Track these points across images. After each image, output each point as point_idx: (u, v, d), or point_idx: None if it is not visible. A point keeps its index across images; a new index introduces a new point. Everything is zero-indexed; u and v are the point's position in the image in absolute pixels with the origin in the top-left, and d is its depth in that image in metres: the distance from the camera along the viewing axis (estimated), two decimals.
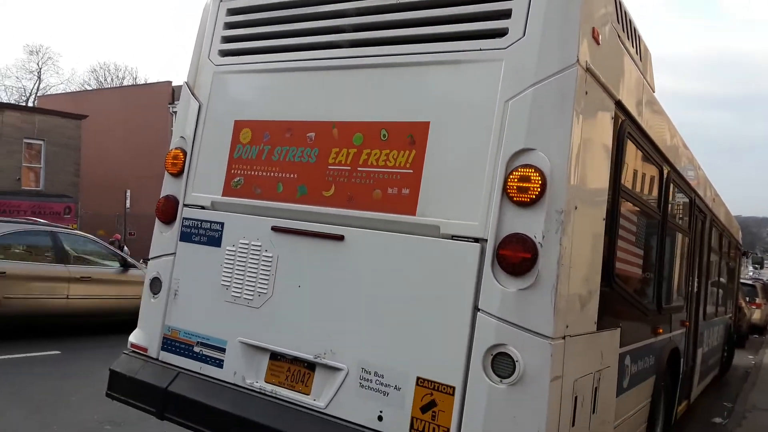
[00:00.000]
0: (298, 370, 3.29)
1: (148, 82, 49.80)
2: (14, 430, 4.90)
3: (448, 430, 2.77)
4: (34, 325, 8.85)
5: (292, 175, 3.47)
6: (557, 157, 2.76)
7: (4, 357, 7.39)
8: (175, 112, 31.82)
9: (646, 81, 4.07)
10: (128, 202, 28.84)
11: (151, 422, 5.15)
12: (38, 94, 47.66)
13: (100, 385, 6.27)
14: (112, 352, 7.93)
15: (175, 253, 3.83)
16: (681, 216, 5.96)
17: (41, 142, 27.22)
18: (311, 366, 3.25)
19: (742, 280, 16.01)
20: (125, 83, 52.54)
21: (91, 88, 50.30)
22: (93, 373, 6.90)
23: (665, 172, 4.74)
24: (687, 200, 6.01)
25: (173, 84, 33.75)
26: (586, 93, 2.90)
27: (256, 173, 3.60)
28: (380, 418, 2.95)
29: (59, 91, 48.26)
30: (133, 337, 3.96)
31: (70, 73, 78.40)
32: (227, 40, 3.90)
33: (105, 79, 54.68)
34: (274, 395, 3.30)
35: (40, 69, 51.40)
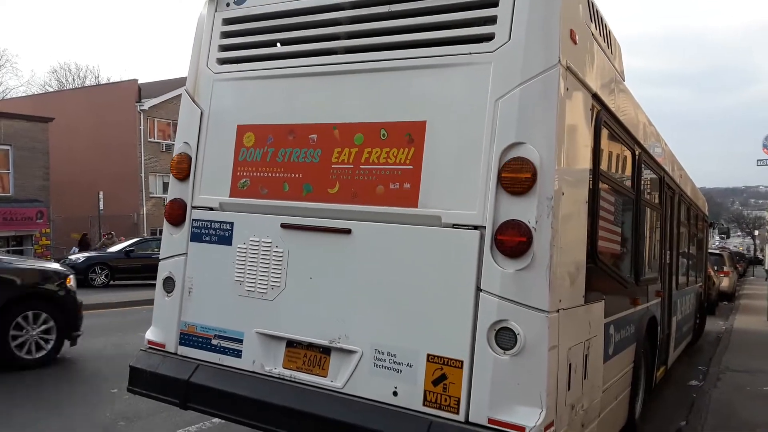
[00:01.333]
0: (314, 355, 3.56)
1: (111, 80, 49.05)
2: (40, 429, 5.07)
3: (459, 399, 3.07)
4: None
5: (297, 175, 3.70)
6: (545, 148, 3.06)
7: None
8: (143, 111, 31.51)
9: (617, 71, 4.40)
10: (101, 203, 28.55)
11: (161, 416, 5.43)
12: None
13: (107, 384, 6.54)
14: (111, 353, 8.13)
15: (186, 253, 4.04)
16: (652, 193, 6.35)
17: (8, 147, 26.71)
18: (327, 350, 3.51)
19: (710, 250, 16.71)
20: (87, 83, 51.62)
21: (53, 90, 49.29)
22: (96, 373, 7.10)
23: (637, 153, 5.10)
24: (657, 178, 6.41)
25: (139, 82, 33.37)
26: (567, 89, 3.20)
27: (262, 174, 3.83)
28: (395, 394, 3.24)
29: (20, 94, 47.23)
30: (150, 335, 4.16)
31: (30, 74, 76.27)
32: (224, 48, 4.10)
33: (66, 80, 53.66)
34: (293, 379, 3.56)
35: None
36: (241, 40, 4.04)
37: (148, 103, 32.11)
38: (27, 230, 26.69)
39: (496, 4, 3.20)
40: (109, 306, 13.99)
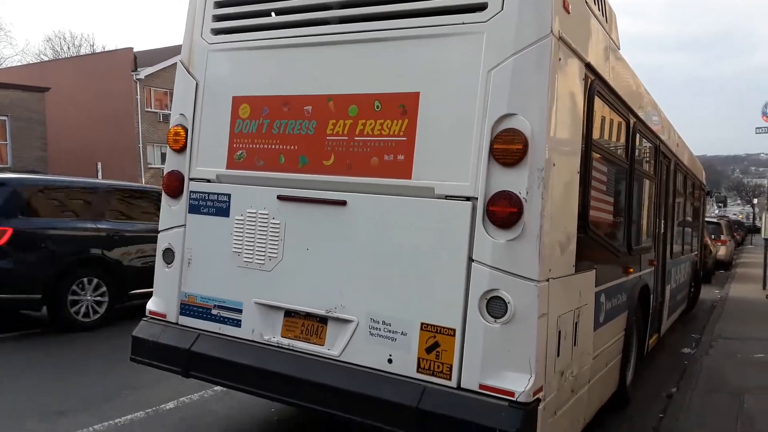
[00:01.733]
0: (311, 324, 3.64)
1: (107, 49, 48.47)
2: (44, 401, 5.19)
3: (452, 366, 3.16)
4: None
5: (292, 147, 3.74)
6: (536, 120, 3.09)
7: (10, 334, 7.62)
8: (139, 80, 31.15)
9: (612, 40, 4.39)
10: (100, 174, 28.54)
11: (163, 384, 5.55)
12: None
13: (107, 355, 6.65)
14: (113, 325, 8.22)
15: (185, 225, 4.10)
16: (647, 162, 6.37)
17: (5, 118, 26.60)
18: (323, 320, 3.60)
19: (707, 219, 16.77)
20: (83, 51, 51.10)
21: (48, 59, 48.77)
22: (92, 344, 7.21)
23: (632, 123, 5.11)
24: (652, 147, 6.42)
25: (135, 50, 32.98)
26: (560, 59, 3.21)
27: (258, 146, 3.86)
28: (390, 361, 3.33)
29: (15, 63, 46.77)
30: (151, 305, 4.25)
31: (24, 43, 75.49)
32: (218, 18, 4.08)
33: (61, 48, 53.06)
34: (290, 348, 3.65)
35: None
36: (235, 10, 4.03)
37: (144, 72, 31.81)
38: None
39: None
40: None
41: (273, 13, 3.94)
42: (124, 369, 6.02)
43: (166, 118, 32.96)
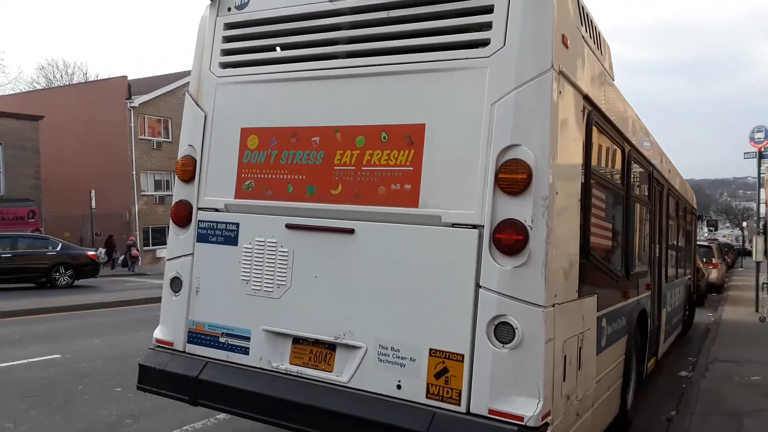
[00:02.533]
0: (320, 351, 3.69)
1: (99, 77, 48.80)
2: (43, 430, 5.16)
3: (461, 391, 3.21)
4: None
5: (300, 177, 3.82)
6: (539, 150, 3.20)
7: (9, 364, 7.58)
8: (133, 107, 31.36)
9: (607, 72, 4.54)
10: (93, 202, 28.49)
11: (167, 413, 5.55)
12: None
13: (109, 383, 6.66)
14: (110, 353, 8.23)
15: (193, 254, 4.15)
16: (642, 189, 6.51)
17: None
18: (332, 346, 3.64)
19: (698, 242, 16.96)
20: (75, 80, 51.31)
21: (41, 87, 48.98)
22: (96, 373, 7.19)
23: (626, 150, 5.25)
24: (646, 174, 6.57)
25: (129, 78, 33.22)
26: (560, 92, 3.34)
27: (266, 176, 3.95)
28: (399, 387, 3.37)
29: (8, 91, 46.87)
30: (158, 333, 4.27)
31: (17, 71, 75.78)
32: (226, 53, 4.20)
33: (54, 77, 53.25)
34: (299, 375, 3.69)
35: None
36: (243, 45, 4.14)
37: (138, 100, 32.00)
38: (19, 230, 26.61)
39: (491, 11, 3.33)
40: (103, 306, 14.05)
41: (279, 48, 4.07)
42: (125, 396, 6.02)
43: (160, 145, 33.12)
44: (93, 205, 28.31)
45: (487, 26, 3.34)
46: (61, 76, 53.12)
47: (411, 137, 3.48)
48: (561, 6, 3.37)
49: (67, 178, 30.88)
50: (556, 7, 3.28)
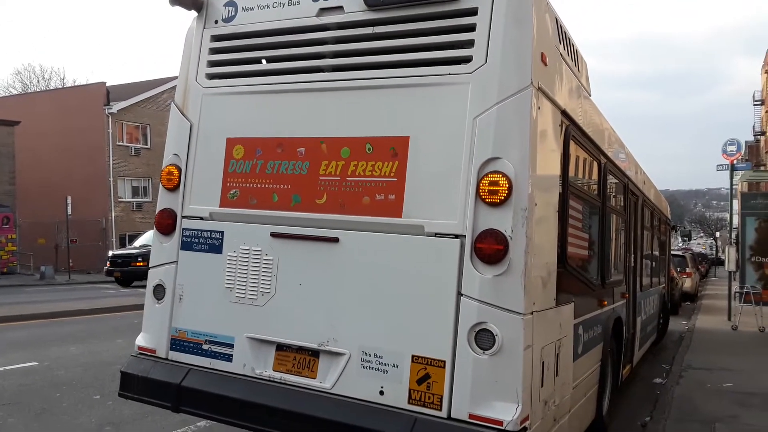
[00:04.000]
0: (303, 358, 3.74)
1: (77, 83, 48.23)
2: None
3: (442, 397, 3.29)
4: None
5: (285, 186, 3.89)
6: (519, 163, 3.31)
7: None
8: (111, 114, 31.04)
9: (584, 87, 4.70)
10: (69, 208, 28.09)
11: (147, 420, 5.54)
12: None
13: (87, 391, 6.62)
14: (88, 360, 8.16)
15: (177, 261, 4.18)
16: (617, 200, 6.69)
17: None
18: (315, 353, 3.70)
19: (673, 252, 17.31)
20: (53, 85, 50.62)
21: (16, 92, 48.24)
22: (75, 380, 7.13)
23: (602, 163, 5.41)
24: (621, 185, 6.75)
25: (107, 84, 32.93)
26: (539, 108, 3.46)
27: (251, 185, 4.00)
28: (381, 393, 3.44)
29: None
30: (140, 341, 4.29)
31: None
32: (213, 64, 4.26)
33: (31, 82, 52.46)
34: (282, 381, 3.74)
35: None
36: (230, 57, 4.20)
37: (116, 107, 31.72)
38: None
39: (473, 29, 3.45)
40: (82, 313, 13.88)
41: (264, 61, 4.14)
42: (104, 404, 5.99)
43: (138, 151, 32.83)
44: (69, 211, 27.87)
45: (470, 44, 3.46)
46: (38, 81, 52.42)
47: (395, 149, 3.57)
48: (540, 26, 3.50)
49: (44, 184, 30.44)
50: (536, 27, 3.41)
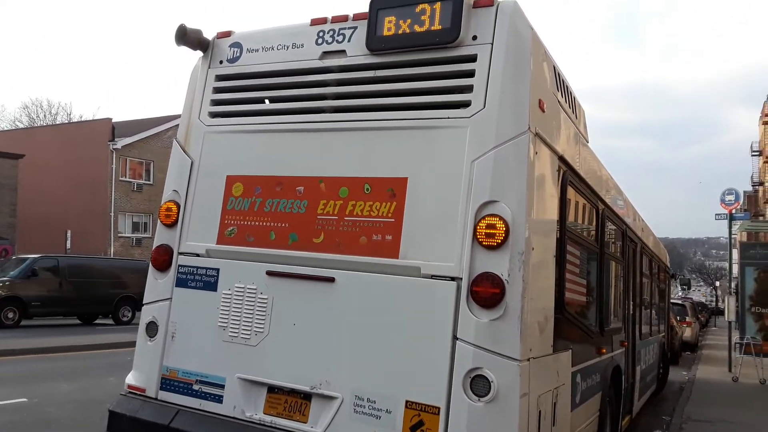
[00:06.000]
0: (295, 401, 3.67)
1: (83, 118, 48.79)
2: None
3: None
4: None
5: (283, 224, 3.89)
6: (516, 207, 3.32)
7: None
8: (116, 149, 31.30)
9: (582, 134, 4.75)
10: (69, 242, 28.05)
11: None
12: None
13: (77, 430, 6.43)
14: (79, 398, 7.99)
15: (171, 298, 4.15)
16: (615, 246, 6.68)
17: None
18: (307, 396, 3.63)
19: (672, 301, 17.19)
20: (59, 120, 51.20)
21: (23, 126, 48.80)
22: (64, 418, 6.97)
23: (600, 209, 5.42)
24: (620, 231, 6.75)
25: (113, 120, 33.34)
26: (536, 153, 3.49)
27: (249, 223, 4.00)
28: None
29: None
30: (130, 379, 4.21)
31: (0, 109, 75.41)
32: (216, 103, 4.32)
33: (37, 116, 53.09)
34: (273, 425, 3.66)
35: None
36: (233, 96, 4.27)
37: (121, 142, 32.04)
38: None
39: (472, 75, 3.51)
40: (75, 349, 13.68)
41: (267, 101, 4.20)
42: None
43: (140, 187, 32.99)
44: (68, 245, 27.85)
45: (469, 89, 3.51)
46: (45, 115, 53.04)
47: (393, 190, 3.59)
48: (538, 73, 3.56)
49: (45, 217, 30.47)
50: (534, 74, 3.47)
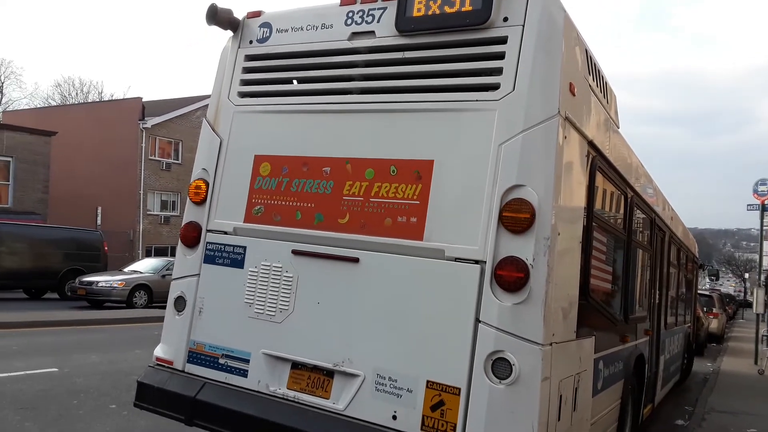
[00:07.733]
0: (318, 377, 3.73)
1: (114, 97, 49.55)
2: None
3: (455, 425, 3.25)
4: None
5: (309, 204, 3.93)
6: (543, 191, 3.30)
7: (6, 375, 7.59)
8: (146, 128, 31.75)
9: (612, 119, 4.68)
10: (99, 219, 28.63)
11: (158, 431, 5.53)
12: (1, 109, 46.83)
13: (104, 399, 6.67)
14: (106, 369, 8.24)
15: (199, 274, 4.23)
16: (643, 234, 6.59)
17: (9, 159, 26.95)
18: (330, 373, 3.69)
19: (699, 291, 16.92)
20: (90, 98, 52.03)
21: (55, 103, 49.71)
22: (92, 388, 7.20)
23: (629, 197, 5.35)
24: (648, 220, 6.66)
25: (143, 100, 33.74)
26: (565, 137, 3.45)
27: (276, 202, 4.05)
28: (394, 417, 3.41)
29: (23, 106, 47.61)
30: (159, 351, 4.32)
31: (33, 87, 77.04)
32: (246, 83, 4.35)
33: (69, 94, 54.02)
34: (296, 400, 3.73)
35: (3, 83, 50.60)
36: (262, 76, 4.30)
37: (151, 122, 32.44)
38: None
39: (502, 57, 3.47)
40: (105, 322, 14.06)
41: (296, 81, 4.22)
42: (119, 413, 6.03)
43: (169, 166, 33.43)
44: (99, 221, 28.44)
45: (498, 71, 3.48)
46: (77, 93, 53.95)
47: (419, 172, 3.59)
48: (569, 56, 3.52)
49: (76, 194, 31.10)
50: (565, 57, 3.42)
